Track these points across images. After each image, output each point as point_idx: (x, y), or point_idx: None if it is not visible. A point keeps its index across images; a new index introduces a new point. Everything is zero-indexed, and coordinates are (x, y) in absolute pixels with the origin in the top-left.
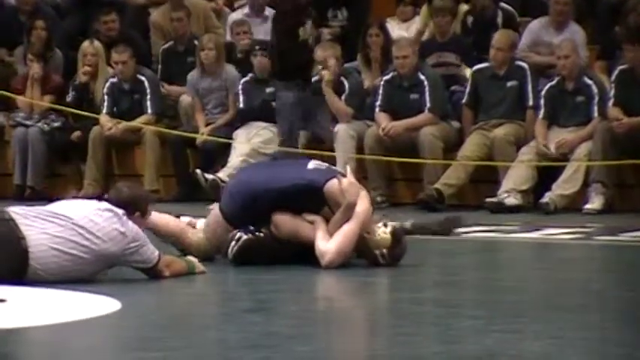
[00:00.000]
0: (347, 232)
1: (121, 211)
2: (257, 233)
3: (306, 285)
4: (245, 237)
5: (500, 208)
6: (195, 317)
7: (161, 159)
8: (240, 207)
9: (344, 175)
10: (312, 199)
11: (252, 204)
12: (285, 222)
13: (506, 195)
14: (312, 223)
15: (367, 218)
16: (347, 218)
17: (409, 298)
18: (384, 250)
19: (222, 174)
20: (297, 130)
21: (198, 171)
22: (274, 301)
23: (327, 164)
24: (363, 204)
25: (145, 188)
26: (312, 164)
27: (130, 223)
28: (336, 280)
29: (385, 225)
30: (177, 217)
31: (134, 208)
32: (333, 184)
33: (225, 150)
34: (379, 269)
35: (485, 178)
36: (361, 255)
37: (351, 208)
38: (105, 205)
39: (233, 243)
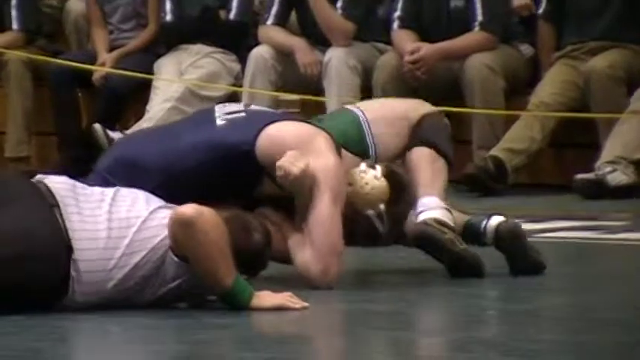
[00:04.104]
0: (319, 214)
1: None
2: None
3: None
4: None
5: (601, 190)
6: None
7: (34, 106)
8: None
9: (289, 119)
10: (240, 175)
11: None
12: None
13: (610, 168)
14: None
15: (335, 176)
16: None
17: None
18: (382, 206)
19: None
20: None
21: (97, 126)
22: None
23: (249, 106)
24: (320, 158)
25: (6, 154)
26: (221, 115)
27: None
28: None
29: (372, 166)
30: None
31: None
32: (266, 141)
33: (141, 91)
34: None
35: (576, 140)
36: (350, 224)
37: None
38: None
39: None
